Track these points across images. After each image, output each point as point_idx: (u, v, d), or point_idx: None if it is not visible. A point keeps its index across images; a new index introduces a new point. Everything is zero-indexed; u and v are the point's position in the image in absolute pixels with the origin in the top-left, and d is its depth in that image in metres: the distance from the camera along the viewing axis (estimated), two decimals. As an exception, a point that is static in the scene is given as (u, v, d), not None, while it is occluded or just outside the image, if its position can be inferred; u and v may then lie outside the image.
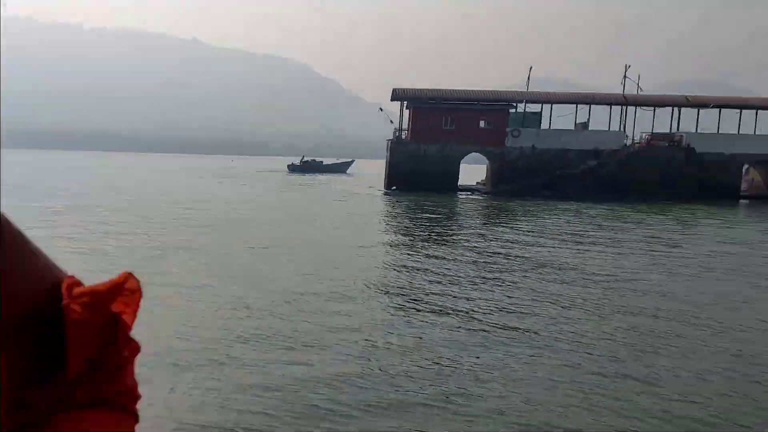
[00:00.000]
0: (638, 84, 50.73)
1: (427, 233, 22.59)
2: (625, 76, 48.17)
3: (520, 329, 10.18)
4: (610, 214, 31.21)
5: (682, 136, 45.07)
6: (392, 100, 49.42)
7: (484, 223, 27.57)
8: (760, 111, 48.25)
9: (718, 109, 48.33)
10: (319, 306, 11.35)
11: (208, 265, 15.06)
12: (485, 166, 51.08)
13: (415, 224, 25.85)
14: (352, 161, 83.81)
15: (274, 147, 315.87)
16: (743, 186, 47.08)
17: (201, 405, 6.83)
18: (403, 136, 47.54)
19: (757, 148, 45.92)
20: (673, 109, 47.42)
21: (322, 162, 78.39)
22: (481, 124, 46.04)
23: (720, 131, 48.41)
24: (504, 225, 25.98)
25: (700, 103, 46.89)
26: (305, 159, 78.84)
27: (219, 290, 12.31)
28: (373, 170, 70.09)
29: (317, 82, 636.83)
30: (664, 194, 43.03)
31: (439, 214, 30.25)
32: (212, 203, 32.15)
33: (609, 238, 21.91)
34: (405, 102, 48.11)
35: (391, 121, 47.94)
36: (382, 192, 45.38)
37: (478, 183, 50.85)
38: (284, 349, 8.77)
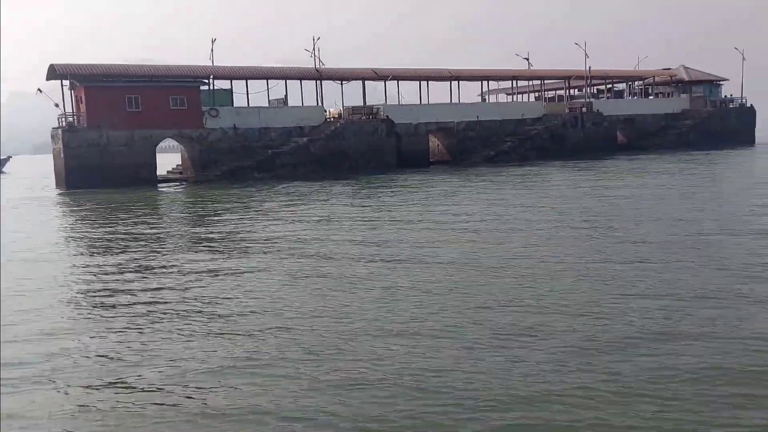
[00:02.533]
0: (319, 57, 50.12)
1: (141, 247, 17.28)
2: (314, 50, 46.86)
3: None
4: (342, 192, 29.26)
5: (380, 108, 45.72)
6: (49, 78, 39.73)
7: (215, 217, 22.82)
8: (432, 82, 51.97)
9: (396, 81, 50.51)
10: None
11: None
12: (179, 152, 45.03)
13: (122, 235, 19.88)
14: (8, 158, 69.26)
15: None
16: (430, 152, 50.19)
17: None
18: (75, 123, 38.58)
19: (436, 116, 49.22)
20: (363, 83, 47.82)
21: None
22: (172, 103, 39.88)
23: (401, 102, 50.79)
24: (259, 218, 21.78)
25: (384, 76, 48.13)
26: None
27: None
28: (35, 167, 57.91)
29: None
30: (371, 166, 43.28)
31: (149, 214, 24.46)
32: None
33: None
34: (70, 82, 39.02)
35: (57, 105, 38.41)
36: (58, 193, 36.28)
37: (171, 171, 44.50)
38: None
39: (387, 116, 45.05)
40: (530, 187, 28.39)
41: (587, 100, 56.33)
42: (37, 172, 49.27)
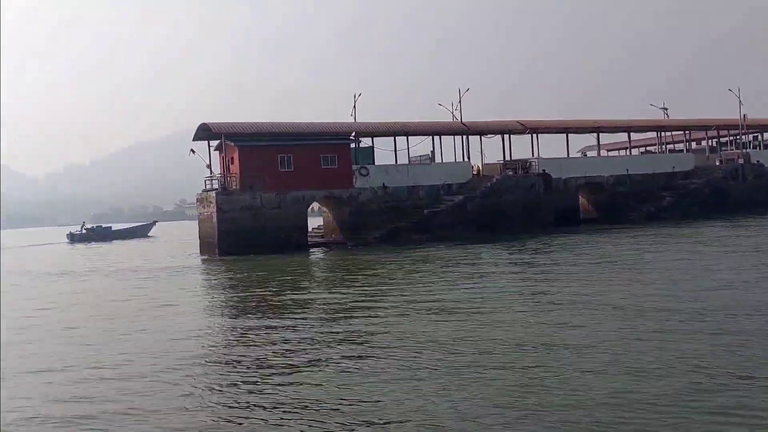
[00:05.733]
0: (452, 112, 47.46)
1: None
2: (459, 103, 44.35)
3: None
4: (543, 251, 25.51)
5: (533, 161, 42.45)
6: (196, 139, 38.33)
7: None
8: (572, 134, 48.52)
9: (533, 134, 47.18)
10: None
11: None
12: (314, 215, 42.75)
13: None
14: (153, 223, 71.16)
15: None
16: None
17: None
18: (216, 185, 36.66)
19: (584, 170, 45.61)
20: (505, 136, 44.73)
21: (110, 228, 67.51)
22: (323, 162, 37.68)
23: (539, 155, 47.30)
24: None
25: (531, 128, 44.99)
26: (87, 226, 67.79)
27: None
28: (176, 232, 60.47)
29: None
30: (529, 226, 39.65)
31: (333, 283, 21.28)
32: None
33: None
34: (221, 143, 37.41)
35: (208, 166, 36.76)
36: (203, 260, 34.13)
37: (309, 234, 41.88)
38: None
39: (544, 170, 41.63)
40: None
41: (744, 150, 51.51)
42: (183, 235, 49.43)
